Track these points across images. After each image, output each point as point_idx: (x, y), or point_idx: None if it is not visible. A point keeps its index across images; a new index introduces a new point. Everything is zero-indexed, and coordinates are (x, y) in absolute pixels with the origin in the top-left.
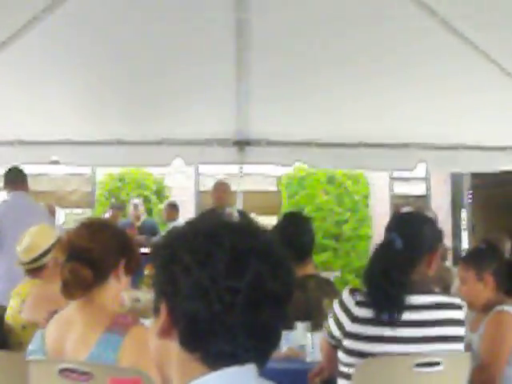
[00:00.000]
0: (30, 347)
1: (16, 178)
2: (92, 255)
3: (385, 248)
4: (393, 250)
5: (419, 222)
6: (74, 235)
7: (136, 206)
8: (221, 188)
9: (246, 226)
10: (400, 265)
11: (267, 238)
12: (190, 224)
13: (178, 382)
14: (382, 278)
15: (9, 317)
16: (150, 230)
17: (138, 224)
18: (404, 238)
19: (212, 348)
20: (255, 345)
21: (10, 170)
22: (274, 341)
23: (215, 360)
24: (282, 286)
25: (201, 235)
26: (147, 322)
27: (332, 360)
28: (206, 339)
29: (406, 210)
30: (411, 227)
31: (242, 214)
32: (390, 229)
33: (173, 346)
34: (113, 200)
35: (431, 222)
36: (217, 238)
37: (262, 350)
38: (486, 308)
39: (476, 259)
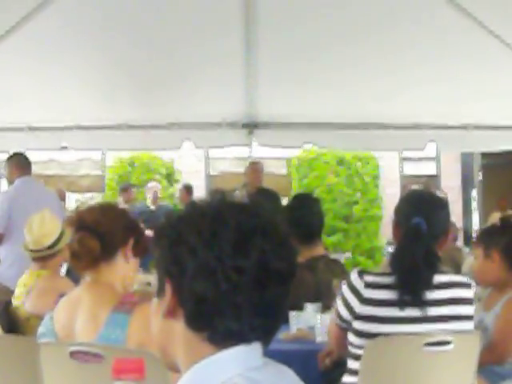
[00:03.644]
0: (40, 330)
1: (22, 164)
2: (100, 228)
3: (413, 232)
4: (419, 233)
5: (437, 203)
6: (84, 211)
7: (155, 191)
8: (258, 168)
9: (251, 206)
10: (428, 247)
11: (271, 217)
12: (194, 205)
13: (185, 362)
14: (416, 261)
15: (14, 307)
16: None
17: (154, 208)
18: (427, 222)
19: (219, 327)
20: (261, 323)
21: (13, 155)
22: (279, 319)
23: (222, 339)
24: (287, 264)
25: (206, 216)
26: None
27: (341, 342)
28: (213, 319)
29: (415, 187)
30: (433, 211)
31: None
32: (411, 212)
33: (178, 326)
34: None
35: (445, 203)
36: (222, 218)
37: (268, 328)
38: (500, 286)
39: (485, 236)
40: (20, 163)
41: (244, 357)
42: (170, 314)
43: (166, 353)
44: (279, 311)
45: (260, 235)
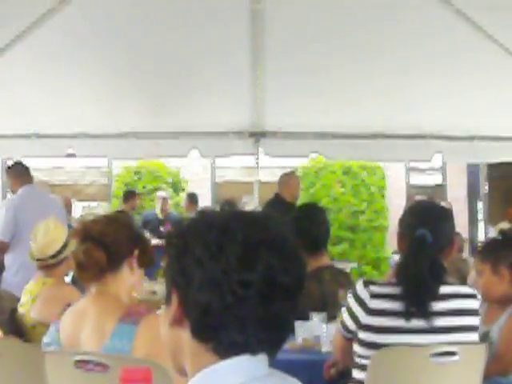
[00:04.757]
0: (45, 340)
1: (22, 173)
2: (106, 238)
3: (418, 243)
4: (425, 244)
5: (442, 215)
6: (89, 222)
7: (164, 200)
8: (294, 179)
9: (259, 218)
10: (434, 258)
11: (280, 231)
12: (202, 215)
13: (191, 370)
14: (422, 272)
15: (19, 315)
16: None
17: (163, 217)
18: (432, 233)
19: (224, 339)
20: (267, 336)
21: (13, 165)
22: (285, 332)
23: (227, 350)
24: (294, 278)
25: (213, 228)
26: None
27: (347, 353)
28: (218, 330)
29: (419, 198)
30: (438, 222)
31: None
32: (416, 223)
33: (184, 335)
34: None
35: (450, 214)
36: (229, 231)
37: (274, 341)
38: (505, 301)
39: (491, 251)
40: (20, 172)
41: (248, 366)
42: (176, 323)
43: (176, 358)
44: (285, 325)
45: (267, 249)
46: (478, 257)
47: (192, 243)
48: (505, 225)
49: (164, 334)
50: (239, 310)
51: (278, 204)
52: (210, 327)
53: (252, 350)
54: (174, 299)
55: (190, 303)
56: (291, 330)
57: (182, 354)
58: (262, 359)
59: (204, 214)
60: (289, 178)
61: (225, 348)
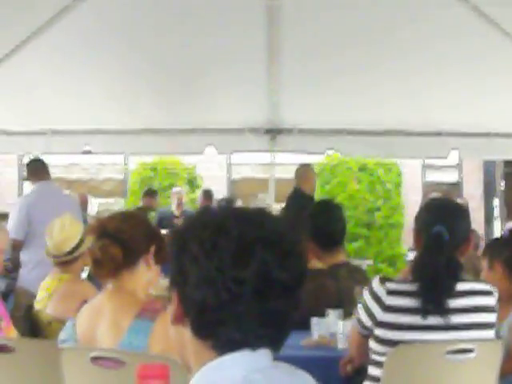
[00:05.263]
0: (61, 336)
1: (39, 169)
2: (123, 235)
3: (435, 240)
4: (441, 241)
5: (458, 211)
6: (105, 218)
7: (179, 196)
8: (310, 171)
9: (255, 216)
10: (450, 255)
11: (276, 227)
12: (199, 214)
13: (195, 368)
14: (438, 269)
15: (36, 311)
16: None
17: (178, 213)
18: (449, 230)
19: (222, 336)
20: (266, 332)
21: (31, 161)
22: (285, 328)
23: (226, 347)
24: (291, 274)
25: (208, 226)
26: None
27: (362, 350)
28: (215, 328)
29: (435, 195)
30: (454, 219)
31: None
32: (433, 220)
33: (187, 333)
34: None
35: (466, 211)
36: (224, 229)
37: (273, 337)
38: (507, 297)
39: (489, 247)
40: (37, 169)
41: (249, 359)
42: (177, 321)
43: (182, 355)
44: (285, 321)
45: (262, 246)
46: (481, 253)
47: (189, 241)
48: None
49: (171, 331)
50: (235, 307)
51: (300, 198)
52: (208, 324)
53: (251, 347)
54: (174, 298)
55: (188, 301)
56: (292, 326)
57: (187, 351)
58: (263, 353)
59: (201, 212)
60: (306, 170)
61: (224, 345)
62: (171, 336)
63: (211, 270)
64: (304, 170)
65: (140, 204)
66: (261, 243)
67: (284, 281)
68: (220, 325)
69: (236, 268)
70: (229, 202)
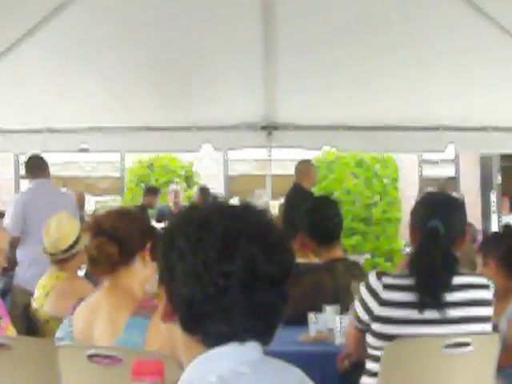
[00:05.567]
0: (58, 334)
1: (37, 166)
2: (118, 233)
3: (430, 235)
4: (437, 236)
5: (454, 206)
6: (101, 216)
7: (176, 193)
8: (310, 166)
9: (240, 210)
10: (446, 249)
11: (261, 221)
12: (186, 211)
13: (185, 362)
14: (434, 263)
15: (33, 309)
16: None
17: (176, 210)
18: (444, 224)
19: (210, 330)
20: (254, 325)
21: (30, 158)
22: (273, 320)
23: (215, 341)
24: (278, 267)
25: (193, 221)
26: None
27: (360, 344)
28: (203, 322)
29: (430, 189)
30: (449, 212)
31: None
32: (428, 215)
33: (177, 329)
34: (142, 185)
35: (462, 205)
36: (209, 224)
37: (261, 330)
38: (503, 293)
39: (484, 244)
40: (35, 165)
41: (236, 352)
42: (167, 317)
43: (174, 351)
44: (273, 313)
45: (247, 240)
46: (477, 249)
47: (175, 238)
48: None
49: (162, 329)
50: (222, 301)
51: (300, 193)
52: (196, 319)
53: (239, 340)
54: (163, 294)
55: (176, 297)
56: (280, 318)
57: (179, 347)
58: (251, 346)
59: (188, 208)
60: (305, 166)
61: (212, 339)
62: (163, 333)
63: (197, 265)
64: (304, 166)
65: (141, 201)
66: (246, 237)
67: (270, 274)
68: (208, 319)
69: (222, 262)
70: (216, 197)
